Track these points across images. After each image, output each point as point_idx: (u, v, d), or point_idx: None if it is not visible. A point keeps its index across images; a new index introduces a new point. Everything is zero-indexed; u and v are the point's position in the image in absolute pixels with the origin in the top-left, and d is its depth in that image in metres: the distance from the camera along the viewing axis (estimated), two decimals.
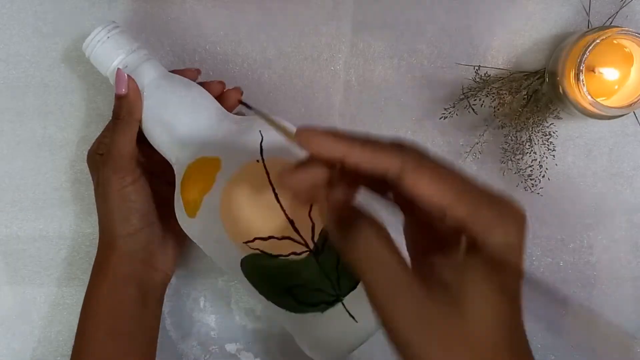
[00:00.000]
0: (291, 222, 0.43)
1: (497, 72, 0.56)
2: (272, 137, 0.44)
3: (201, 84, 0.51)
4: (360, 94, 0.57)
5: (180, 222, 0.46)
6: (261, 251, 0.43)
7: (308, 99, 0.57)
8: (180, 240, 0.52)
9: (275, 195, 0.43)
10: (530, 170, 0.56)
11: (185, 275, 0.57)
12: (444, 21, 0.56)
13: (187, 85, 0.48)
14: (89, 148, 0.53)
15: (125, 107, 0.48)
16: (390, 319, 0.30)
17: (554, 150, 0.55)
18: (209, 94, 0.49)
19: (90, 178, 0.52)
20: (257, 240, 0.43)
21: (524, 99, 0.55)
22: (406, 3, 0.56)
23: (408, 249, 0.34)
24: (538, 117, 0.54)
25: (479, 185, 0.30)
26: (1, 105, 0.57)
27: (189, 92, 0.48)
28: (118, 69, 0.48)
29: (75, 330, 0.59)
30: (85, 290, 0.50)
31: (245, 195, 0.43)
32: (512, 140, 0.56)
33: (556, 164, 0.57)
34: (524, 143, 0.55)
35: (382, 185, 0.31)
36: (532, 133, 0.55)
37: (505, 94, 0.55)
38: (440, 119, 0.56)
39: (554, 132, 0.55)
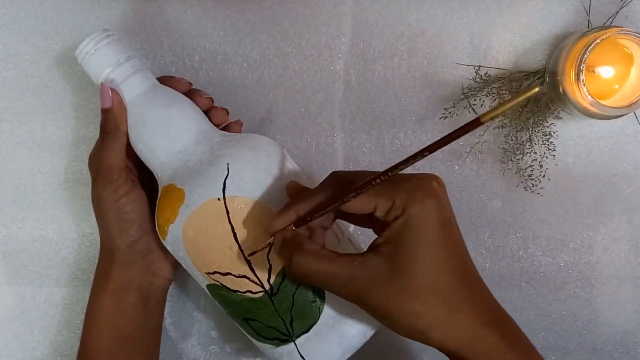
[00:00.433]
0: (248, 262, 0.44)
1: (497, 72, 0.56)
2: (239, 173, 0.44)
3: (192, 91, 0.51)
4: (360, 94, 0.57)
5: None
6: (220, 284, 0.45)
7: (308, 99, 0.57)
8: None
9: (234, 234, 0.44)
10: (531, 170, 0.56)
11: (185, 275, 0.57)
12: (444, 21, 0.56)
13: (168, 103, 0.48)
14: (88, 148, 0.53)
15: (111, 120, 0.48)
16: (338, 293, 0.41)
17: (554, 150, 0.55)
18: (193, 109, 0.48)
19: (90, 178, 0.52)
20: (216, 274, 0.45)
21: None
22: (406, 3, 0.56)
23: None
24: (538, 117, 0.54)
25: (393, 181, 0.38)
26: (0, 105, 0.57)
27: (169, 111, 0.47)
28: (102, 83, 0.48)
29: (74, 330, 0.59)
30: (84, 290, 0.51)
31: (204, 232, 0.44)
32: (512, 140, 0.56)
33: (556, 164, 0.57)
34: (524, 143, 0.55)
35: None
36: (532, 133, 0.55)
37: (506, 93, 0.55)
38: (440, 119, 0.56)
39: (554, 132, 0.55)
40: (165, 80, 0.50)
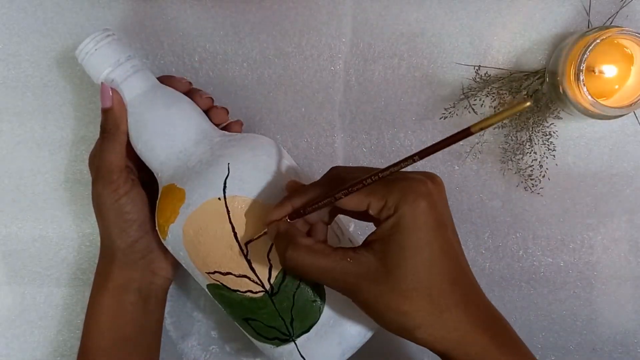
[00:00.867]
0: (249, 262, 0.44)
1: (497, 72, 0.56)
2: (239, 172, 0.44)
3: (192, 91, 0.51)
4: (360, 94, 0.57)
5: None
6: (221, 283, 0.45)
7: (308, 99, 0.57)
8: None
9: (235, 234, 0.44)
10: (531, 170, 0.56)
11: (185, 275, 0.57)
12: (444, 21, 0.56)
13: (168, 103, 0.48)
14: (88, 148, 0.53)
15: (111, 120, 0.48)
16: (331, 286, 0.41)
17: (554, 150, 0.55)
18: (193, 108, 0.48)
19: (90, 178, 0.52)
20: (216, 274, 0.45)
21: (523, 98, 0.55)
22: (406, 3, 0.56)
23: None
24: (538, 117, 0.54)
25: (387, 181, 0.39)
26: (0, 105, 0.57)
27: (169, 111, 0.47)
28: (102, 83, 0.48)
29: (74, 330, 0.59)
30: (85, 290, 0.51)
31: (205, 232, 0.44)
32: (512, 140, 0.56)
33: (556, 164, 0.57)
34: (524, 143, 0.55)
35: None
36: (532, 133, 0.55)
37: (506, 94, 0.55)
38: (440, 119, 0.56)
39: (554, 132, 0.55)
40: (165, 80, 0.50)
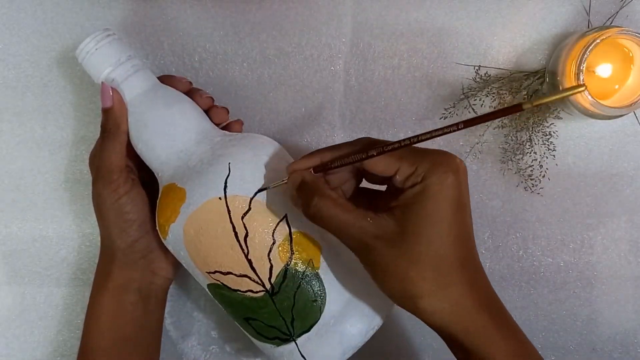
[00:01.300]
0: (249, 261, 0.44)
1: (497, 72, 0.56)
2: (240, 172, 0.44)
3: (193, 90, 0.51)
4: (360, 94, 0.57)
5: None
6: (221, 283, 0.45)
7: (308, 99, 0.57)
8: None
9: (235, 234, 0.44)
10: (531, 170, 0.56)
11: (185, 275, 0.57)
12: (444, 21, 0.56)
13: (169, 103, 0.48)
14: (88, 148, 0.53)
15: (111, 119, 0.48)
16: (346, 241, 0.42)
17: (554, 150, 0.55)
18: (193, 108, 0.49)
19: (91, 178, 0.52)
20: (217, 273, 0.45)
21: (524, 99, 0.55)
22: (406, 3, 0.56)
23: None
24: (538, 117, 0.54)
25: (419, 150, 0.41)
26: (0, 105, 0.57)
27: (170, 111, 0.47)
28: (102, 82, 0.48)
29: (74, 330, 0.59)
30: (85, 290, 0.51)
31: (205, 231, 0.44)
32: (512, 140, 0.56)
33: (556, 164, 0.57)
34: (524, 143, 0.55)
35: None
36: (532, 133, 0.55)
37: (506, 94, 0.55)
38: (440, 119, 0.56)
39: (554, 132, 0.55)
40: (165, 80, 0.50)
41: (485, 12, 0.56)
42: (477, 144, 0.57)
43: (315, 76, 0.57)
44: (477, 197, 0.57)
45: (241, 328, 0.48)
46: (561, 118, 0.55)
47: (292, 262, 0.44)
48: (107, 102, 0.48)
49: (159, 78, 0.50)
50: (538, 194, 0.57)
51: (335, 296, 0.44)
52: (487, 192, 0.57)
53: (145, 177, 0.51)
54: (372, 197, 0.46)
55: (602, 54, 0.51)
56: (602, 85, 0.52)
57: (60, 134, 0.57)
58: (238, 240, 0.44)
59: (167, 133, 0.47)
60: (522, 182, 0.57)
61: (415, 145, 0.40)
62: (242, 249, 0.44)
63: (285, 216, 0.44)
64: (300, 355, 0.45)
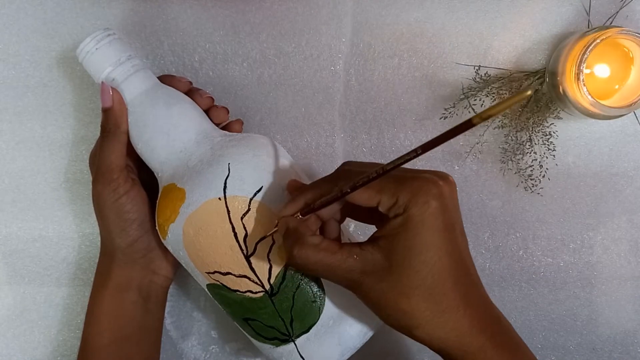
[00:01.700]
0: (249, 262, 0.44)
1: (497, 72, 0.56)
2: (240, 172, 0.44)
3: (192, 90, 0.51)
4: (360, 94, 0.57)
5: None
6: (221, 283, 0.45)
7: (308, 99, 0.57)
8: None
9: (235, 234, 0.44)
10: (531, 170, 0.56)
11: (185, 274, 0.57)
12: (444, 21, 0.56)
13: (169, 103, 0.48)
14: (88, 148, 0.53)
15: (111, 119, 0.48)
16: (336, 282, 0.41)
17: (554, 150, 0.55)
18: (194, 108, 0.49)
19: (91, 178, 0.52)
20: (216, 274, 0.45)
21: (524, 89, 0.55)
22: (406, 3, 0.56)
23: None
24: (538, 117, 0.54)
25: (400, 178, 0.40)
26: (0, 105, 0.57)
27: (170, 111, 0.47)
28: (102, 82, 0.48)
29: (74, 330, 0.59)
30: (85, 290, 0.51)
31: (205, 231, 0.44)
32: (512, 140, 0.56)
33: (556, 164, 0.57)
34: (524, 143, 0.55)
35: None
36: (532, 133, 0.55)
37: (506, 94, 0.55)
38: (440, 119, 0.56)
39: (554, 132, 0.55)
40: (165, 80, 0.50)
41: (485, 12, 0.56)
42: (477, 144, 0.57)
43: (315, 76, 0.57)
44: (477, 197, 0.57)
45: (240, 328, 0.48)
46: (561, 118, 0.55)
47: None
48: (107, 101, 0.48)
49: (159, 78, 0.50)
50: (538, 194, 0.57)
51: (334, 297, 0.44)
52: (487, 192, 0.57)
53: (145, 177, 0.51)
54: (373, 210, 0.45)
55: (602, 54, 0.51)
56: (602, 85, 0.52)
57: (60, 134, 0.57)
58: (237, 241, 0.44)
59: (167, 133, 0.47)
60: (522, 182, 0.57)
61: (400, 167, 0.38)
62: (242, 250, 0.44)
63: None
64: (299, 356, 0.45)
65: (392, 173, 0.38)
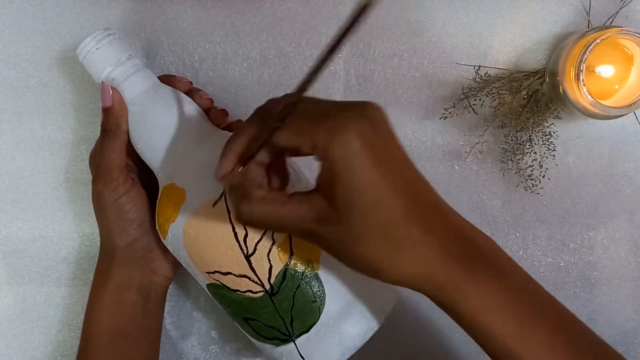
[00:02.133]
0: (249, 261, 0.44)
1: (497, 72, 0.56)
2: None
3: (192, 90, 0.51)
4: (360, 94, 0.57)
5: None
6: (221, 283, 0.45)
7: None
8: None
9: (235, 234, 0.44)
10: (531, 170, 0.56)
11: (185, 274, 0.56)
12: (444, 21, 0.56)
13: (170, 103, 0.48)
14: (88, 148, 0.53)
15: (111, 119, 0.48)
16: (292, 234, 0.42)
17: (554, 150, 0.55)
18: (194, 108, 0.49)
19: (91, 178, 0.52)
20: (217, 273, 0.45)
21: (524, 99, 0.55)
22: (406, 3, 0.56)
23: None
24: (538, 117, 0.54)
25: (315, 117, 0.37)
26: (0, 105, 0.57)
27: (170, 110, 0.47)
28: (102, 82, 0.49)
29: (74, 330, 0.59)
30: (85, 290, 0.50)
31: (205, 231, 0.44)
32: (512, 140, 0.56)
33: (556, 164, 0.57)
34: (524, 143, 0.55)
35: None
36: (532, 133, 0.55)
37: (506, 94, 0.55)
38: (440, 119, 0.56)
39: (554, 132, 0.55)
40: (165, 80, 0.50)
41: (485, 12, 0.56)
42: (477, 144, 0.57)
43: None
44: (477, 197, 0.57)
45: (240, 328, 0.48)
46: (561, 118, 0.55)
47: (291, 263, 0.44)
48: (107, 101, 0.48)
49: (159, 78, 0.50)
50: (538, 194, 0.57)
51: (335, 297, 0.44)
52: (487, 192, 0.57)
53: (145, 177, 0.51)
54: None
55: (602, 54, 0.51)
56: (602, 85, 0.52)
57: (60, 134, 0.57)
58: (237, 241, 0.44)
59: (167, 133, 0.47)
60: (522, 182, 0.57)
61: (328, 102, 0.36)
62: (242, 249, 0.44)
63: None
64: (299, 356, 0.45)
65: (313, 111, 0.36)
